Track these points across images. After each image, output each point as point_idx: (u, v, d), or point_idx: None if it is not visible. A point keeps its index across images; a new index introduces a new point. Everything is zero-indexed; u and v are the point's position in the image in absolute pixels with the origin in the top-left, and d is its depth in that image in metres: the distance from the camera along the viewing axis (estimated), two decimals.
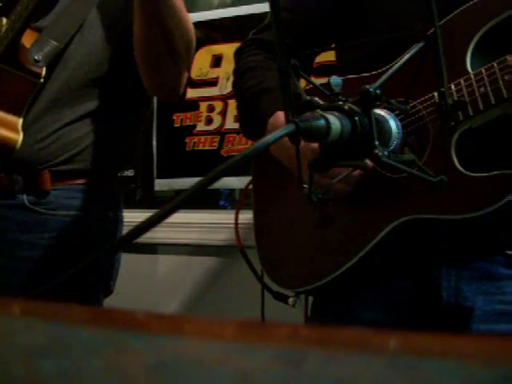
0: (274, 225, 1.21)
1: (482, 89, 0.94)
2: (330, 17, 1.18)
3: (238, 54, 1.28)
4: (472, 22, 0.98)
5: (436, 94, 0.96)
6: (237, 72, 1.26)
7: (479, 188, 0.96)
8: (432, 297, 1.05)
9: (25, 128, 1.35)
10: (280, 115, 1.05)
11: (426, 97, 0.99)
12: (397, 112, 0.99)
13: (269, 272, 1.20)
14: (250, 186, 1.29)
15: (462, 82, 0.96)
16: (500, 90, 0.93)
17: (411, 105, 1.00)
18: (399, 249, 1.04)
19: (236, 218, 1.33)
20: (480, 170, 0.96)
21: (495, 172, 0.95)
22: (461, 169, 0.97)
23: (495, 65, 0.94)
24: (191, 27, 1.30)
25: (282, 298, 1.21)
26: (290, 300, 1.19)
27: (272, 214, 1.21)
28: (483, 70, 0.95)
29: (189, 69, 1.39)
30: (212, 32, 2.42)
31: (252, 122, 1.17)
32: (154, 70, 1.33)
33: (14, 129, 1.34)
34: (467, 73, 0.97)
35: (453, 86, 0.97)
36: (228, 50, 2.35)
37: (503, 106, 0.95)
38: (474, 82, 0.95)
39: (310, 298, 1.23)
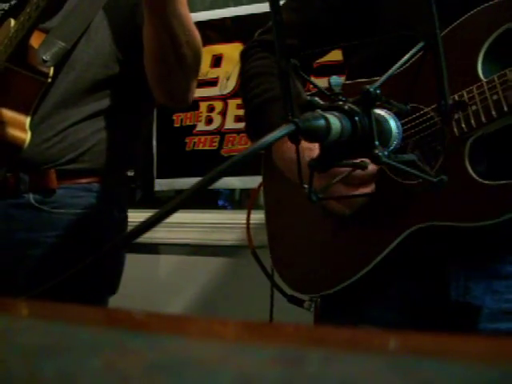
0: (287, 228, 1.20)
1: (495, 96, 0.94)
2: (337, 17, 1.18)
3: (244, 56, 1.28)
4: (482, 28, 0.97)
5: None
6: (243, 76, 1.26)
7: (493, 196, 0.96)
8: (441, 296, 1.05)
9: (32, 127, 1.37)
10: None
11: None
12: (409, 120, 0.99)
13: (282, 275, 1.20)
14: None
15: (474, 89, 0.96)
16: None
17: (424, 111, 1.00)
18: (411, 251, 1.04)
19: (248, 219, 1.32)
20: (495, 177, 0.96)
21: (509, 180, 0.94)
22: (474, 176, 0.96)
23: (508, 72, 0.93)
24: (198, 35, 1.31)
25: (297, 302, 1.20)
26: (306, 304, 1.19)
27: (285, 216, 1.21)
28: (496, 78, 0.94)
29: (197, 77, 1.39)
30: (212, 32, 2.41)
31: (258, 131, 1.17)
32: (163, 79, 1.34)
33: (22, 128, 1.35)
34: (479, 80, 0.96)
35: (465, 94, 0.96)
36: (228, 50, 2.36)
37: None
38: (487, 90, 0.94)
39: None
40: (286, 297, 1.22)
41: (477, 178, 0.96)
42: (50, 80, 1.36)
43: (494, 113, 0.94)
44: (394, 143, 0.69)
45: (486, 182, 0.96)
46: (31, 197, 1.38)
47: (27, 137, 1.35)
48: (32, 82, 1.35)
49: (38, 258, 1.37)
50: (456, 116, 0.97)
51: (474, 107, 0.96)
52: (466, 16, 0.99)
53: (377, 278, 1.08)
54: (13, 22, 1.38)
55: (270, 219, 1.24)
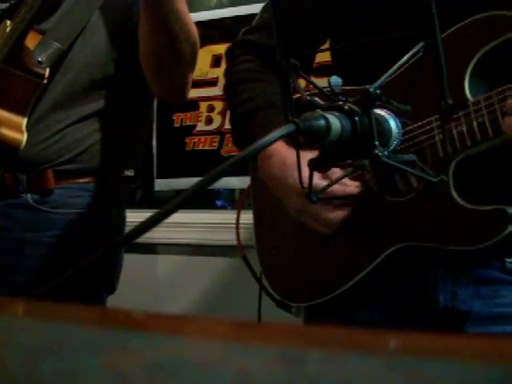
0: (274, 239, 1.20)
1: (480, 119, 0.92)
2: (324, 16, 1.17)
3: (228, 56, 1.28)
4: (469, 44, 0.94)
5: (434, 119, 0.95)
6: (228, 80, 1.25)
7: (476, 221, 0.95)
8: (429, 301, 1.05)
9: (29, 128, 1.37)
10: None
11: (424, 121, 0.97)
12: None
13: (271, 283, 1.20)
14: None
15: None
16: (498, 123, 0.90)
17: (409, 128, 0.97)
18: (398, 262, 1.04)
19: (237, 220, 1.31)
20: (479, 200, 0.95)
21: (493, 206, 0.93)
22: (458, 199, 0.95)
23: (493, 95, 0.91)
24: (195, 30, 1.32)
25: (285, 307, 1.21)
26: (293, 309, 1.19)
27: (271, 227, 1.20)
28: (482, 100, 0.92)
29: (193, 71, 1.40)
30: (212, 32, 2.41)
31: (244, 139, 1.16)
32: (160, 75, 1.34)
33: (18, 129, 1.36)
34: (466, 99, 0.94)
35: None
36: None
37: (500, 138, 0.92)
38: (473, 112, 0.93)
39: None
40: (275, 301, 1.23)
41: (460, 202, 0.95)
42: (45, 81, 1.36)
43: (478, 136, 0.92)
44: (394, 143, 0.69)
45: (470, 206, 0.95)
46: (29, 197, 1.38)
47: (23, 138, 1.35)
48: (28, 83, 1.35)
49: (36, 258, 1.37)
50: (439, 138, 0.95)
51: (459, 128, 0.94)
52: (454, 28, 0.96)
53: (365, 288, 1.07)
54: (8, 22, 1.38)
55: (258, 229, 1.23)
